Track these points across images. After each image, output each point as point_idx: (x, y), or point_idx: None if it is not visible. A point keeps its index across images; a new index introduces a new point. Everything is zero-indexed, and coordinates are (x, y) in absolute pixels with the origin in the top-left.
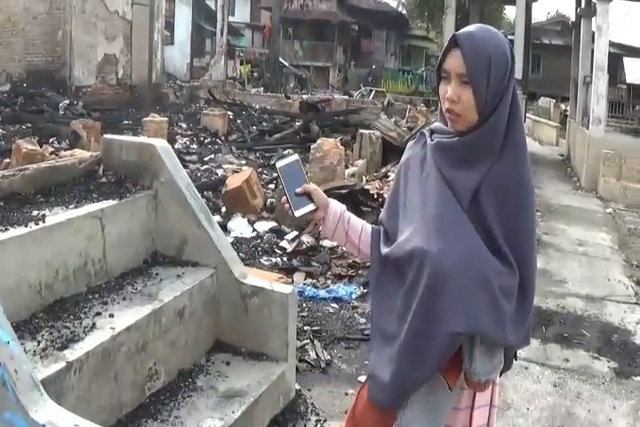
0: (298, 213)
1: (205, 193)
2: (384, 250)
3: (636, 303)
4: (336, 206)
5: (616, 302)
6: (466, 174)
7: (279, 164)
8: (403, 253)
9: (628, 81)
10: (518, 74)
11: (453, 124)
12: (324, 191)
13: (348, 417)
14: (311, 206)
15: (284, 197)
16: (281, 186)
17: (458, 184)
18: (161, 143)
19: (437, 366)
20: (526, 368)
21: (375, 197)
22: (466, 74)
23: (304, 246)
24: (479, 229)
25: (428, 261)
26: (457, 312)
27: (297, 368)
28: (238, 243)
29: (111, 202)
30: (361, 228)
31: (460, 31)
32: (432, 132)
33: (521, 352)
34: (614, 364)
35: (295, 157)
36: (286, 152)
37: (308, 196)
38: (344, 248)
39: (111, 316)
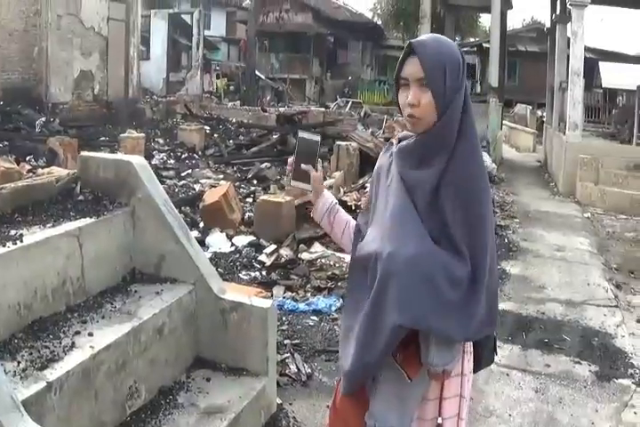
0: (292, 183)
1: (183, 208)
2: (354, 253)
3: (616, 306)
4: (327, 198)
5: (596, 305)
6: (425, 173)
7: (301, 134)
8: (362, 256)
9: (603, 85)
10: (494, 81)
11: (414, 128)
12: (302, 204)
13: (330, 407)
14: (307, 186)
15: (291, 163)
16: (294, 154)
17: (418, 183)
18: (138, 160)
19: (383, 356)
20: (507, 375)
21: (353, 208)
22: (424, 77)
23: (283, 260)
24: (437, 222)
25: (379, 264)
26: (399, 307)
27: (278, 382)
28: (217, 258)
29: (88, 220)
30: (345, 223)
31: (415, 40)
32: (400, 140)
33: (501, 359)
34: (595, 367)
35: (318, 137)
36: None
37: (309, 175)
38: (330, 235)
39: (90, 335)
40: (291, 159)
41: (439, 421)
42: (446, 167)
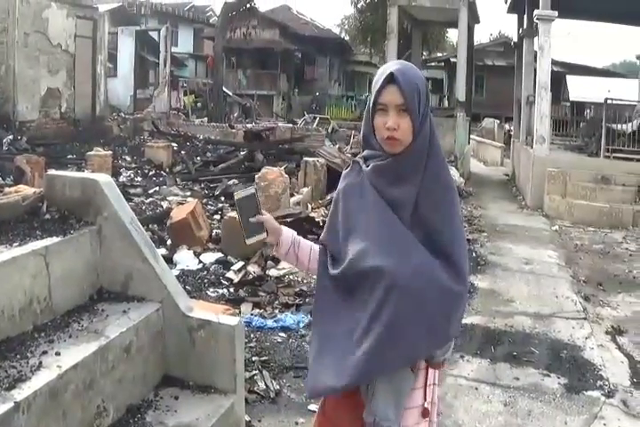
0: (249, 241)
1: (150, 226)
2: (333, 271)
3: (585, 319)
4: (287, 233)
5: (564, 318)
6: (404, 189)
7: (237, 195)
8: (356, 272)
9: (571, 98)
10: (462, 96)
11: (392, 148)
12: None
13: (318, 413)
14: (262, 235)
15: (240, 225)
16: (237, 216)
17: (398, 199)
18: (104, 178)
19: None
20: (476, 389)
21: (321, 224)
22: (403, 104)
23: (250, 276)
24: (421, 233)
25: (384, 278)
26: (419, 336)
27: (246, 400)
28: (184, 275)
29: (55, 239)
30: (310, 249)
31: (394, 69)
32: (365, 159)
33: (470, 373)
34: (564, 380)
35: (253, 189)
36: (234, 186)
37: (262, 225)
38: (296, 266)
39: (58, 354)
40: (237, 219)
41: (426, 405)
42: (422, 182)
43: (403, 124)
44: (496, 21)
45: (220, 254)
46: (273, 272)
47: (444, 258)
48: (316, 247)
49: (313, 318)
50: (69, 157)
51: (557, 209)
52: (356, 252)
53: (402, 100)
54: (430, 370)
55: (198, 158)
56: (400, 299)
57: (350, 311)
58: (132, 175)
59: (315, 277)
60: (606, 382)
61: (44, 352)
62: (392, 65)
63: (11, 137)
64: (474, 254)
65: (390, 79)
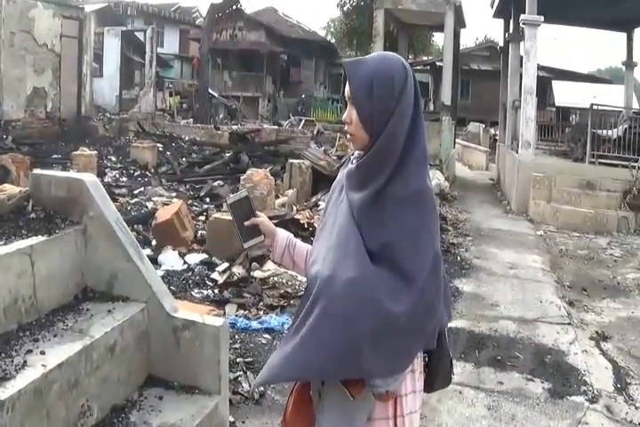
0: (246, 245)
1: (135, 226)
2: None
3: (569, 324)
4: (282, 235)
5: (549, 323)
6: (364, 193)
7: (229, 200)
8: (308, 277)
9: (556, 104)
10: (447, 100)
11: (353, 145)
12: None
13: (281, 423)
14: (259, 238)
15: (236, 231)
16: (232, 220)
17: (358, 204)
18: (89, 178)
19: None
20: (460, 392)
21: (306, 226)
22: (350, 96)
23: (235, 278)
24: (377, 244)
25: (316, 286)
26: (328, 351)
27: (230, 401)
28: (169, 276)
29: (40, 238)
30: (306, 252)
31: (349, 60)
32: (356, 157)
33: (454, 377)
34: (548, 384)
35: (245, 193)
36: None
37: (257, 227)
38: (293, 270)
39: (42, 353)
40: (235, 231)
41: None
42: (386, 186)
43: (352, 118)
44: (482, 26)
45: (204, 255)
46: (258, 274)
47: (397, 275)
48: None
49: None
50: (55, 156)
51: (542, 214)
52: (312, 255)
53: (349, 92)
54: (401, 399)
55: (184, 159)
56: (323, 311)
57: (298, 312)
58: (118, 175)
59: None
60: (590, 388)
61: (29, 351)
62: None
63: None
64: (458, 258)
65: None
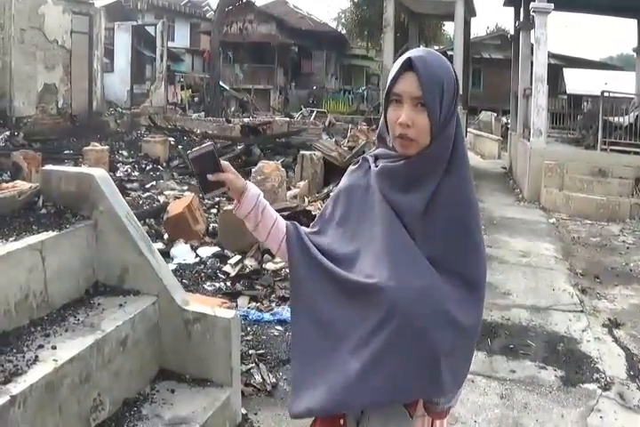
0: (207, 195)
1: (147, 220)
2: (338, 271)
3: (582, 311)
4: (253, 192)
5: (561, 311)
6: (414, 196)
7: (191, 155)
8: (358, 284)
9: (568, 91)
10: (459, 89)
11: (405, 150)
12: None
13: None
14: (220, 190)
15: (197, 184)
16: (195, 174)
17: (408, 208)
18: (99, 173)
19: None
20: (472, 381)
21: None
22: (422, 97)
23: (247, 270)
24: (432, 249)
25: (385, 296)
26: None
27: (243, 393)
28: (181, 269)
29: (51, 233)
30: (273, 223)
31: (415, 55)
32: (376, 157)
33: None
34: (561, 372)
35: (210, 146)
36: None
37: (222, 183)
38: (253, 233)
39: (54, 348)
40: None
41: None
42: (438, 190)
43: (419, 122)
44: (492, 14)
45: (216, 248)
46: (269, 266)
47: (463, 285)
48: (282, 226)
49: (294, 315)
50: (66, 152)
51: (554, 202)
52: (359, 263)
53: (419, 93)
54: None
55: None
56: (399, 325)
57: (345, 322)
58: (129, 170)
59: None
60: (603, 375)
61: (41, 346)
62: (414, 51)
63: (7, 133)
64: None
65: (408, 66)
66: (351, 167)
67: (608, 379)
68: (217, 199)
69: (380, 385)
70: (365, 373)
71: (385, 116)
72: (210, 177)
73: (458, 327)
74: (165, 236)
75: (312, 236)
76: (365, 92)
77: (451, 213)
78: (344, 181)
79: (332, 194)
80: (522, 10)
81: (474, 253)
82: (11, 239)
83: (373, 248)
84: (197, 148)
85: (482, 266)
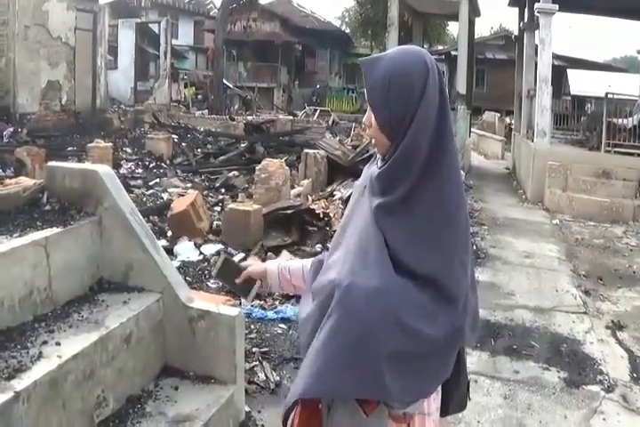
0: (249, 300)
1: (151, 217)
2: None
3: (585, 313)
4: (272, 267)
5: (564, 312)
6: (386, 198)
7: (214, 273)
8: (320, 282)
9: (572, 93)
10: (462, 89)
11: (377, 151)
12: (270, 212)
13: None
14: (256, 286)
15: (233, 291)
16: (227, 285)
17: (383, 210)
18: (104, 169)
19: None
20: (476, 382)
21: (321, 216)
22: (367, 98)
23: None
24: (399, 251)
25: (336, 295)
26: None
27: (246, 390)
28: (185, 266)
29: (55, 230)
30: (302, 270)
31: (365, 58)
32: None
33: (470, 366)
34: (564, 374)
35: (222, 258)
36: (213, 259)
37: (250, 279)
38: (299, 293)
39: (58, 344)
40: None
41: None
42: (411, 192)
43: (372, 122)
44: (497, 15)
45: (220, 246)
46: None
47: (429, 288)
48: (308, 264)
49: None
50: (70, 149)
51: (558, 203)
52: (330, 258)
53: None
54: (416, 420)
55: (199, 150)
56: (338, 325)
57: (313, 317)
58: (133, 167)
59: None
60: (606, 377)
61: (45, 342)
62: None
63: (11, 129)
64: (474, 247)
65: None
66: (367, 165)
67: (611, 381)
68: (220, 197)
69: (312, 378)
70: (306, 366)
71: None
72: (238, 281)
73: (410, 336)
74: (169, 233)
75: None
76: None
77: (423, 218)
78: (361, 177)
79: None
80: (526, 10)
81: (442, 263)
82: (15, 235)
83: (348, 246)
84: (215, 264)
85: (451, 277)
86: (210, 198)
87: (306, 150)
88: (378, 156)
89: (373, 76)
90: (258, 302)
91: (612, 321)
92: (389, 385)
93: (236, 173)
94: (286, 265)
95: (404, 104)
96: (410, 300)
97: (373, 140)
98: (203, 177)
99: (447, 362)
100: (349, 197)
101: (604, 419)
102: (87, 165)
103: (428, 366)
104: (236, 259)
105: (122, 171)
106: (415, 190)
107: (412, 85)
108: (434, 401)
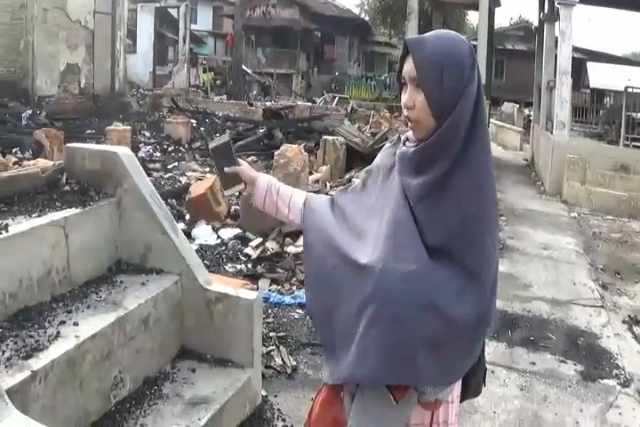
0: (227, 192)
1: (169, 201)
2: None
3: (602, 307)
4: (263, 180)
5: (582, 305)
6: (421, 180)
7: (211, 144)
8: (358, 262)
9: (591, 86)
10: (482, 79)
11: (414, 133)
12: None
13: (306, 420)
14: (239, 186)
15: (216, 177)
16: (213, 165)
17: (413, 191)
18: (124, 151)
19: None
20: (493, 372)
21: None
22: (417, 78)
23: (269, 253)
24: (431, 235)
25: (370, 278)
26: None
27: (263, 374)
28: (203, 250)
29: (74, 210)
30: (290, 196)
31: (409, 38)
32: (407, 139)
33: (486, 356)
34: (581, 367)
35: (226, 137)
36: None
37: (238, 175)
38: (276, 217)
39: (75, 324)
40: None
41: None
42: (447, 176)
43: (418, 103)
44: (517, 5)
45: (238, 230)
46: (291, 249)
47: (459, 271)
48: (299, 199)
49: (306, 279)
50: (88, 131)
51: (576, 196)
52: (361, 240)
53: (415, 73)
54: (441, 408)
55: (217, 135)
56: (378, 309)
57: (339, 299)
58: (151, 150)
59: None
60: (622, 372)
61: (62, 322)
62: (423, 34)
63: (30, 112)
64: None
65: (406, 48)
66: (387, 145)
67: (627, 375)
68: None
69: (351, 364)
70: (343, 350)
71: None
72: (227, 169)
73: (444, 318)
74: (187, 216)
75: (341, 194)
76: (388, 80)
77: (458, 200)
78: (377, 157)
79: (365, 169)
80: (546, 1)
81: (479, 243)
82: (34, 215)
83: (379, 228)
84: (216, 138)
85: (487, 257)
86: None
87: (325, 137)
88: (402, 138)
89: (425, 55)
90: (275, 286)
91: (629, 316)
92: (426, 370)
93: (254, 158)
94: (277, 185)
95: (456, 84)
96: (444, 283)
97: (415, 124)
98: None
99: (475, 346)
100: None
101: (619, 413)
102: (107, 147)
103: (460, 350)
104: (254, 243)
105: (140, 154)
106: (450, 173)
107: (463, 65)
108: (456, 388)
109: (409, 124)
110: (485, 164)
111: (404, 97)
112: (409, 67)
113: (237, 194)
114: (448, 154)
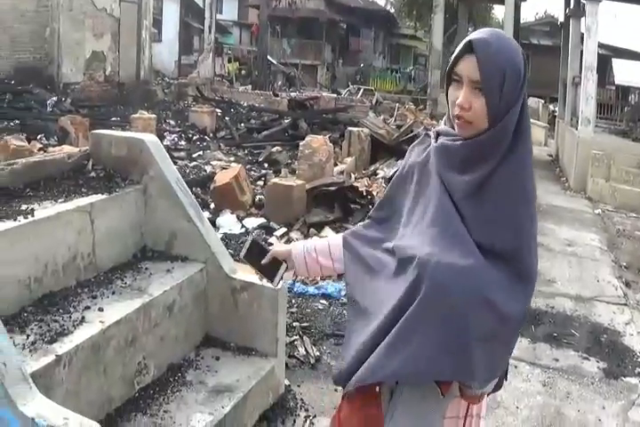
0: (276, 284)
1: (194, 189)
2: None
3: (625, 304)
4: (297, 245)
5: (605, 302)
6: (467, 177)
7: (242, 255)
8: (401, 257)
9: (616, 82)
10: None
11: (461, 131)
12: (314, 188)
13: (332, 417)
14: (282, 268)
15: (258, 274)
16: (254, 269)
17: (457, 188)
18: (150, 138)
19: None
20: (516, 367)
21: (364, 194)
22: (480, 81)
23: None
24: (476, 232)
25: (426, 272)
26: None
27: (286, 364)
28: (227, 239)
29: (100, 196)
30: (328, 247)
31: (476, 37)
32: (438, 134)
33: None
34: (603, 364)
35: (249, 240)
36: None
37: (276, 259)
38: (324, 274)
39: (100, 310)
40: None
41: None
42: (492, 175)
43: (476, 106)
44: (542, 0)
45: (262, 220)
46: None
47: (504, 269)
48: (336, 241)
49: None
50: (113, 119)
51: (600, 192)
52: (401, 240)
53: (478, 77)
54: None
55: (242, 125)
56: (433, 303)
57: (379, 296)
58: (176, 139)
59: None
60: None
61: (87, 307)
62: (478, 32)
63: (55, 98)
64: None
65: (469, 48)
66: (413, 143)
67: None
68: (263, 172)
69: (404, 361)
70: (392, 347)
71: (446, 94)
72: (263, 261)
73: (497, 315)
74: (212, 205)
75: (376, 218)
76: (413, 73)
77: (502, 200)
78: (406, 157)
79: (395, 170)
80: None
81: (522, 242)
82: (60, 201)
83: (423, 225)
84: (243, 246)
85: (532, 256)
86: (252, 173)
87: (350, 128)
88: (431, 133)
89: (492, 61)
90: (299, 277)
91: None
92: (479, 366)
93: (278, 148)
94: (311, 244)
95: (514, 90)
96: (494, 279)
97: (467, 124)
98: (245, 151)
99: (515, 341)
100: (392, 175)
101: None
102: (133, 134)
103: (506, 346)
104: (278, 233)
105: (165, 142)
106: (496, 172)
107: (521, 73)
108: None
109: (456, 121)
110: (529, 165)
111: (458, 95)
112: (470, 68)
113: (262, 183)
114: (497, 152)
